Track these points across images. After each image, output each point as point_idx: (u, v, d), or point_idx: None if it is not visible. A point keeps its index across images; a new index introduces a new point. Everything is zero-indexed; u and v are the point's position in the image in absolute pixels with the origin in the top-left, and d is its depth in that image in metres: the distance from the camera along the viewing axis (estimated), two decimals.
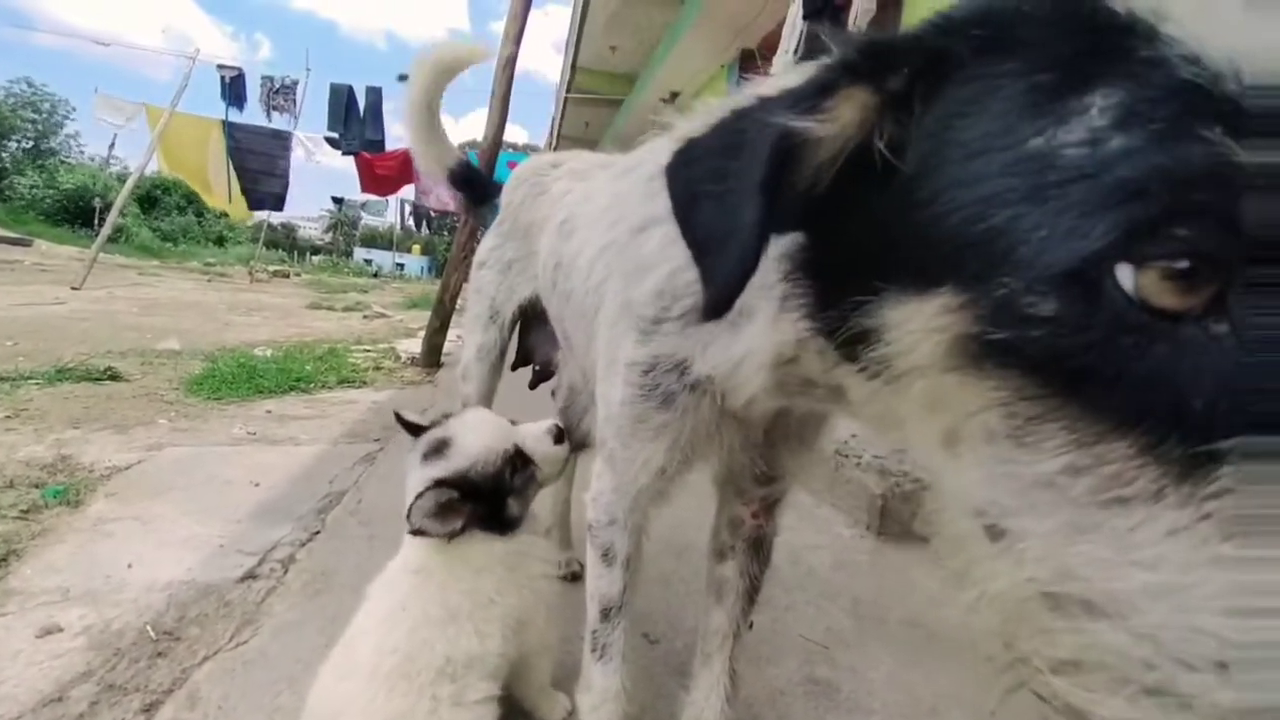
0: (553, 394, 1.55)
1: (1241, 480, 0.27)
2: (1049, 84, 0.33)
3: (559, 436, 1.10)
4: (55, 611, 1.19)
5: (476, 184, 1.61)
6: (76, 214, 22.85)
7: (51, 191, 23.34)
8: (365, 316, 7.67)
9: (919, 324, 0.37)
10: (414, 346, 5.01)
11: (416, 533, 0.90)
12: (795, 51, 4.87)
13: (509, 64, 4.28)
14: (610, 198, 0.94)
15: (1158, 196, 0.29)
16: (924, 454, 0.42)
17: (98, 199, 21.41)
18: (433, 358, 4.41)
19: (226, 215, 24.99)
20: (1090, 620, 0.30)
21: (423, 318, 7.81)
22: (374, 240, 55.40)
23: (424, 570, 0.93)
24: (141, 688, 1.02)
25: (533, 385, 1.51)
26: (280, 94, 10.55)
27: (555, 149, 15.88)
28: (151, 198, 27.48)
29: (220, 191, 10.41)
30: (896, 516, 1.93)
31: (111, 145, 26.77)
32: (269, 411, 2.82)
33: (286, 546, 1.56)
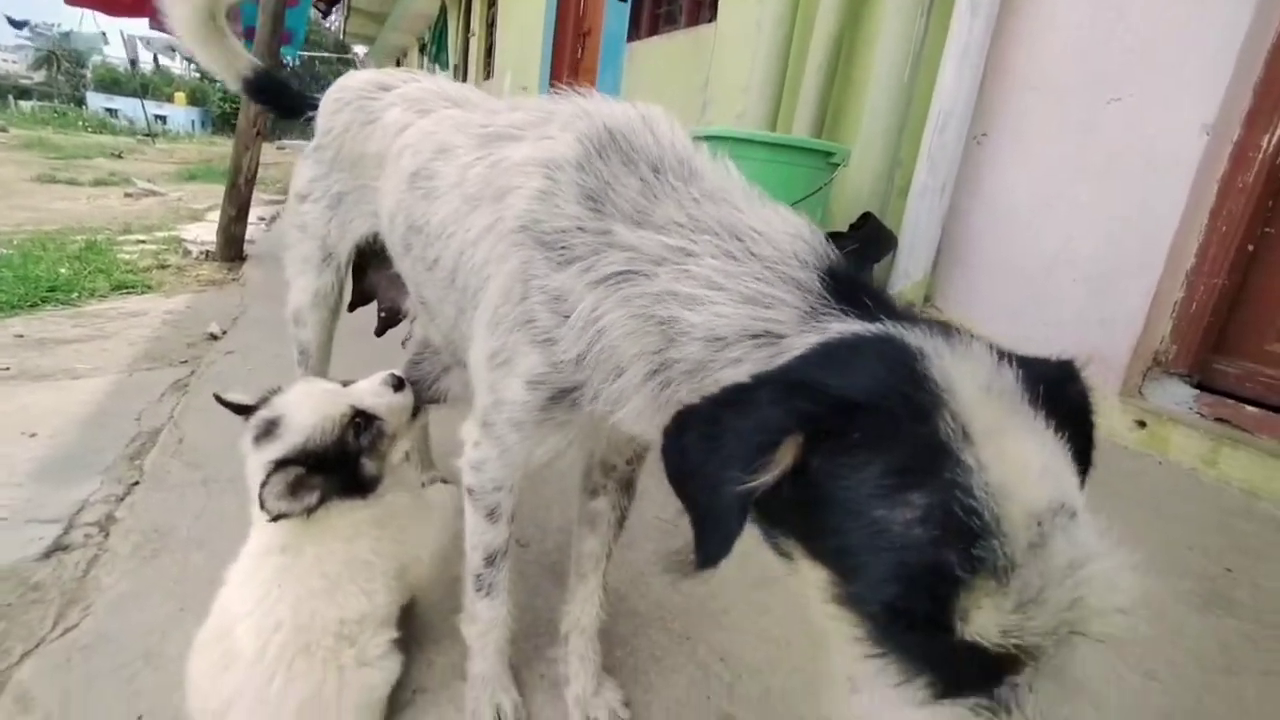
0: (403, 343, 1.47)
1: None
2: (895, 471, 0.51)
3: (398, 384, 1.08)
4: None
5: (281, 95, 1.37)
6: None
7: None
8: (129, 194, 6.36)
9: (813, 577, 0.56)
10: (206, 234, 4.31)
11: (277, 518, 0.86)
12: None
13: None
14: (489, 168, 0.87)
15: (921, 580, 0.48)
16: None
17: None
18: (232, 250, 3.85)
19: None
20: None
21: (208, 193, 6.79)
22: (115, 83, 44.23)
23: (291, 548, 0.91)
24: None
25: (379, 332, 1.42)
26: None
27: (346, 17, 13.32)
28: None
29: None
30: None
31: None
32: (20, 336, 2.34)
33: (99, 505, 1.39)
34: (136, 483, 1.49)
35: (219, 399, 1.02)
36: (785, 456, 0.52)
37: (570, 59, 7.49)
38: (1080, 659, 0.49)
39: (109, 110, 36.87)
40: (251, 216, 5.33)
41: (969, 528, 0.47)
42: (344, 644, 0.87)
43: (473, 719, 0.96)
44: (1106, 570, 0.48)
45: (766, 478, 0.52)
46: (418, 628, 1.12)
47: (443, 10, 12.04)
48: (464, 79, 12.62)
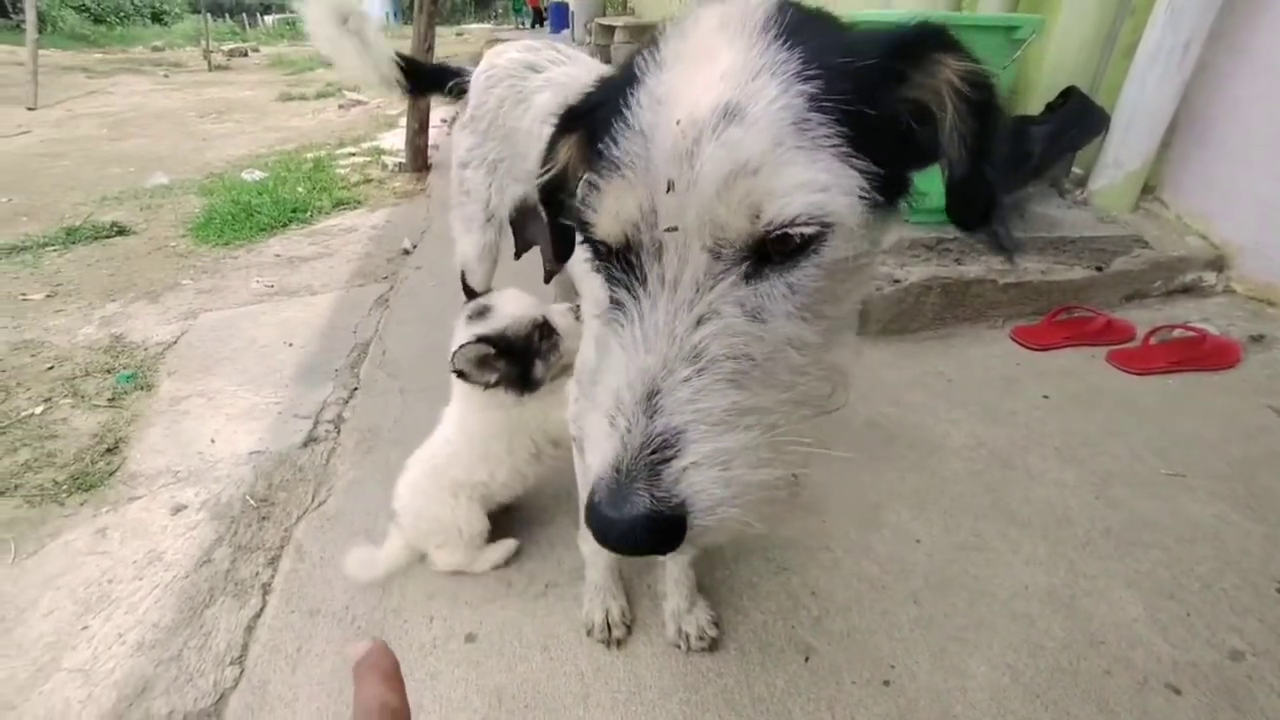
0: (545, 280, 1.71)
1: None
2: (602, 121, 0.56)
3: (577, 315, 1.33)
4: (175, 492, 1.54)
5: (421, 77, 1.55)
6: None
7: None
8: (341, 106, 7.23)
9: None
10: (398, 142, 4.87)
11: (458, 374, 1.22)
12: None
13: None
14: None
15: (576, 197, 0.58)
16: None
17: None
18: (419, 161, 4.34)
19: None
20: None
21: (399, 100, 7.38)
22: None
23: (467, 410, 1.29)
24: (260, 546, 1.39)
25: (517, 255, 1.63)
26: None
27: None
28: None
29: None
30: (876, 317, 2.12)
31: None
32: (278, 255, 2.97)
33: (333, 406, 1.86)
34: (355, 389, 1.95)
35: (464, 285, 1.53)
36: (563, 154, 0.66)
37: None
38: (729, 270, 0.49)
39: None
40: (434, 119, 5.85)
41: (619, 137, 0.51)
42: (469, 487, 1.27)
43: (587, 617, 1.20)
44: (755, 164, 0.46)
45: (552, 171, 0.66)
46: (554, 532, 1.41)
47: None
48: None
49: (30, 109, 7.32)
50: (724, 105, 0.48)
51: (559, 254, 0.78)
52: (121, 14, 24.43)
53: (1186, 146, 2.42)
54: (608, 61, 9.47)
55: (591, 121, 0.59)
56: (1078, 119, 2.42)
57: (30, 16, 8.14)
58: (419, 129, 4.23)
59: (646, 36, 0.60)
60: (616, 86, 0.56)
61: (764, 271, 0.51)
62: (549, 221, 0.73)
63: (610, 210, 0.51)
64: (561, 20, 19.93)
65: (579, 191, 0.56)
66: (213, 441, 1.72)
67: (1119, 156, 2.43)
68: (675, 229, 0.49)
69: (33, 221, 3.47)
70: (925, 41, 0.53)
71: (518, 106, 1.27)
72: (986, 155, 0.54)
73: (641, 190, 0.50)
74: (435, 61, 3.98)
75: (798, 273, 0.51)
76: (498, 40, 16.96)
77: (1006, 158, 0.55)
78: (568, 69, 1.23)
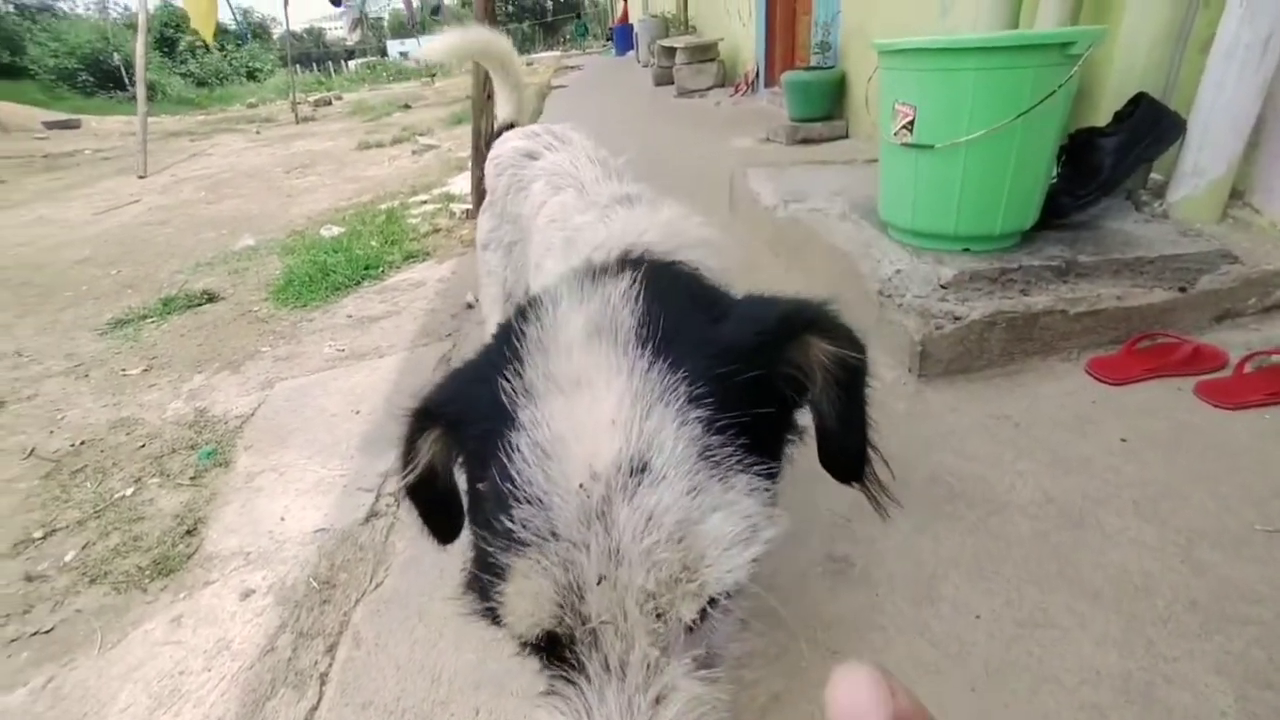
0: None
1: None
2: (472, 456, 0.58)
3: None
4: (245, 575, 1.64)
5: None
6: (104, 76, 22.90)
7: (69, 57, 23.26)
8: (415, 152, 7.65)
9: None
10: (467, 186, 5.08)
11: None
12: None
13: None
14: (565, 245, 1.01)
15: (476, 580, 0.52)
16: None
17: (115, 53, 21.18)
18: None
19: (241, 43, 24.11)
20: None
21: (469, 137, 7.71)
22: (403, 29, 51.65)
23: None
24: (320, 632, 1.45)
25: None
26: None
27: None
28: (167, 39, 26.72)
29: (201, 10, 9.86)
30: (937, 357, 2.01)
31: None
32: (349, 316, 3.15)
33: (394, 478, 1.93)
34: None
35: None
36: (424, 453, 0.65)
37: None
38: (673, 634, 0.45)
39: (402, 54, 43.14)
40: None
41: (508, 501, 0.45)
42: None
43: None
44: (681, 530, 0.43)
45: (413, 473, 0.65)
46: None
47: None
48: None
49: (141, 177, 8.19)
50: (627, 461, 0.45)
51: (443, 538, 0.77)
52: (221, 75, 27.02)
53: (1277, 146, 2.17)
54: (669, 82, 9.55)
55: (461, 434, 0.59)
56: (1150, 128, 2.22)
57: (140, 92, 9.12)
58: (483, 175, 4.39)
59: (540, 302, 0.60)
60: (478, 382, 0.56)
61: (705, 615, 0.47)
62: (422, 519, 0.73)
63: (522, 602, 0.46)
64: (626, 42, 20.47)
65: (471, 569, 0.53)
66: (282, 519, 1.83)
67: (1199, 163, 2.21)
68: (610, 621, 0.45)
69: (135, 293, 3.85)
70: (798, 324, 0.56)
71: (520, 194, 1.33)
72: (853, 424, 0.59)
73: (557, 572, 0.45)
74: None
75: (734, 598, 0.49)
76: (566, 67, 17.60)
77: (864, 428, 0.61)
78: (556, 156, 1.28)
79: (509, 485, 0.47)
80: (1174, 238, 2.21)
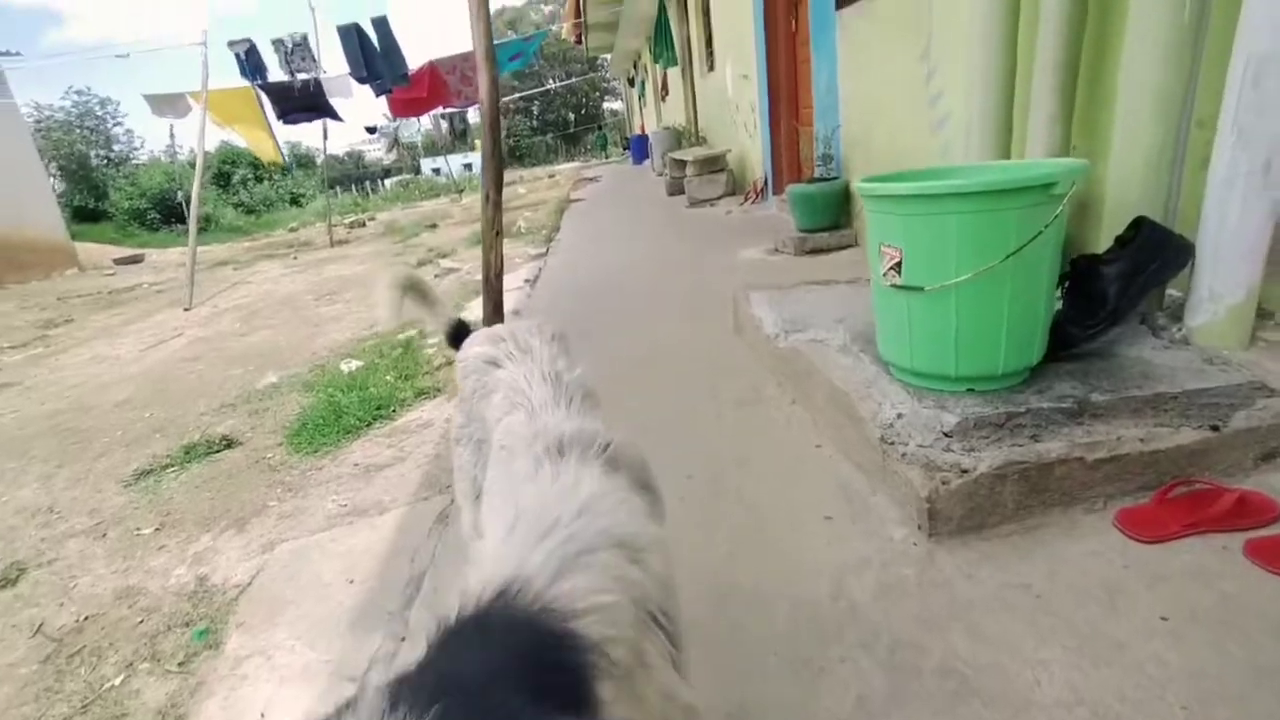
0: None
1: None
2: None
3: None
4: None
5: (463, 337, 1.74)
6: (169, 212, 24.97)
7: (141, 198, 25.56)
8: (436, 275, 7.99)
9: None
10: (480, 311, 5.24)
11: None
12: None
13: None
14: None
15: None
16: None
17: (179, 191, 23.17)
18: None
19: (287, 172, 26.23)
20: None
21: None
22: (434, 146, 55.69)
23: None
24: None
25: None
26: (296, 54, 10.58)
27: (582, 8, 14.76)
28: (224, 174, 29.25)
29: (267, 148, 11.94)
30: (947, 514, 1.91)
31: (171, 135, 28.74)
32: (356, 465, 3.18)
33: (380, 664, 1.87)
34: (404, 638, 1.96)
35: None
36: None
37: (785, 32, 7.13)
38: None
39: (434, 170, 46.17)
40: (516, 280, 6.31)
41: None
42: None
43: None
44: None
45: None
46: None
47: (661, 8, 12.38)
48: (690, 74, 12.81)
49: (186, 309, 8.68)
50: None
51: None
52: (268, 202, 29.22)
53: None
54: (681, 192, 9.96)
55: None
56: (1155, 252, 2.18)
57: (192, 231, 9.85)
58: (494, 310, 4.54)
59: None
60: None
61: None
62: None
63: None
64: (642, 152, 21.69)
65: None
66: (262, 716, 1.76)
67: (1214, 289, 2.14)
68: None
69: (164, 438, 3.98)
70: None
71: (484, 400, 1.38)
72: None
73: None
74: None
75: None
76: (585, 179, 18.67)
77: None
78: (514, 370, 1.33)
79: None
80: (1198, 367, 2.12)
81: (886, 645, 1.58)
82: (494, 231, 4.37)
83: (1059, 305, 2.34)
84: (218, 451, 3.63)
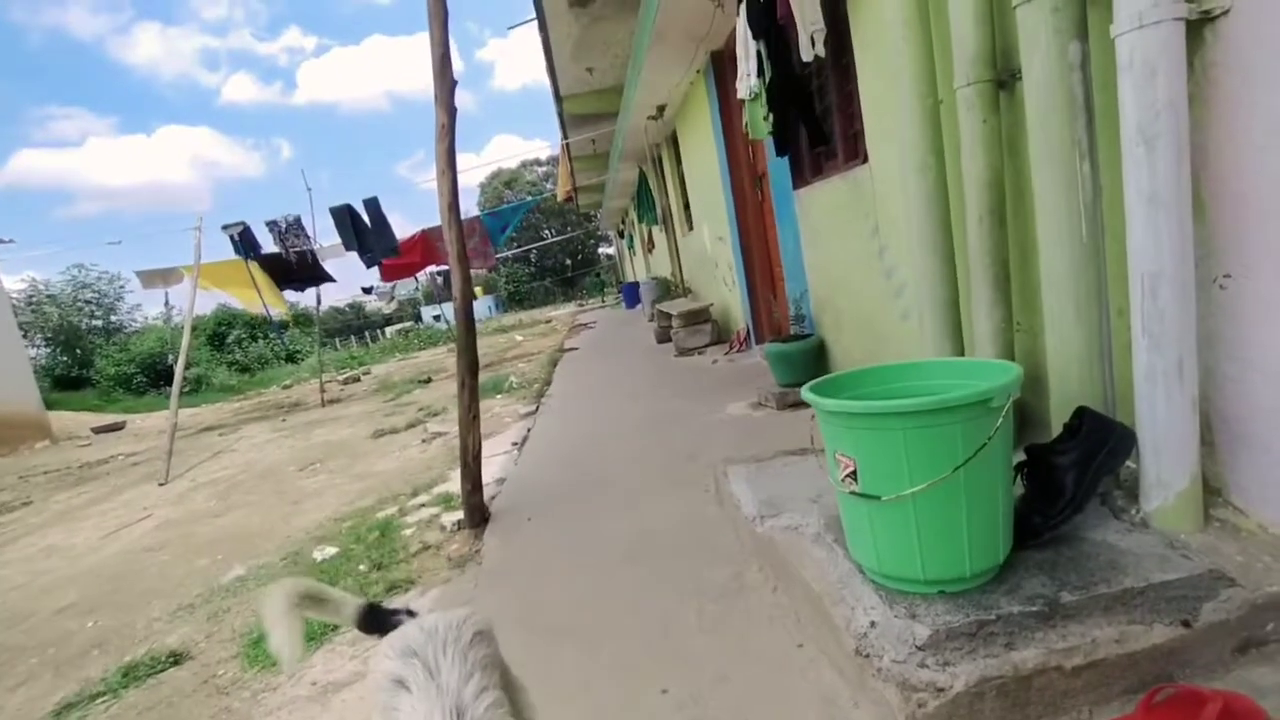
0: None
1: None
2: None
3: None
4: None
5: (384, 623, 1.66)
6: (157, 375, 25.40)
7: (129, 364, 26.07)
8: (424, 440, 8.03)
9: None
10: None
11: None
12: (755, 74, 4.72)
13: (445, 133, 4.37)
14: None
15: None
16: None
17: (170, 354, 23.78)
18: (476, 516, 4.57)
19: (285, 327, 27.03)
20: None
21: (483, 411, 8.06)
22: (432, 296, 58.40)
23: None
24: None
25: None
26: (290, 233, 11.32)
27: (572, 172, 16.08)
28: (219, 334, 30.22)
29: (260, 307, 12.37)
30: None
31: (166, 302, 29.97)
32: (313, 684, 3.01)
33: None
34: None
35: None
36: None
37: (752, 202, 7.73)
38: None
39: (435, 317, 47.89)
40: (504, 443, 6.33)
41: None
42: None
43: None
44: None
45: None
46: None
47: (642, 175, 13.49)
48: (672, 232, 13.72)
49: (161, 484, 8.59)
50: None
51: None
52: (262, 360, 29.86)
53: (1236, 449, 2.17)
54: (669, 340, 10.32)
55: None
56: (1101, 440, 2.25)
57: (173, 403, 9.99)
58: (472, 488, 4.53)
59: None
60: None
61: None
62: None
63: None
64: (634, 298, 22.75)
65: None
66: None
67: (1161, 476, 2.18)
68: None
69: (103, 654, 3.73)
70: None
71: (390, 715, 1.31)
72: None
73: None
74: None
75: None
76: (580, 325, 19.52)
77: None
78: (417, 701, 1.27)
79: None
80: (1161, 553, 2.11)
81: None
82: (470, 415, 4.46)
83: (1020, 490, 2.37)
84: (163, 669, 3.42)
